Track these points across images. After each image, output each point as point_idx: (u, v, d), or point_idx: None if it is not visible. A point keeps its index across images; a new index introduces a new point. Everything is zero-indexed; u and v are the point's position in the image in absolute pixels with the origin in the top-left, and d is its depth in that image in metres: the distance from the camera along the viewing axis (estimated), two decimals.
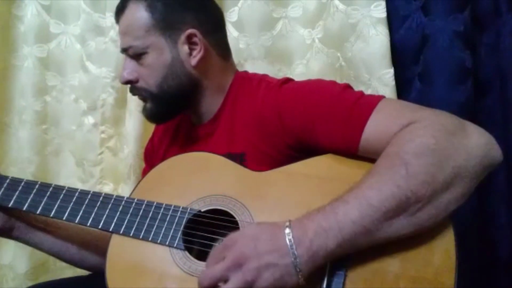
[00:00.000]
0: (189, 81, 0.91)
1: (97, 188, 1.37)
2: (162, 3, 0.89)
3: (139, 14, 0.89)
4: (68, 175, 1.43)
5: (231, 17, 1.25)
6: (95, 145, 1.38)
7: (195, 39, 0.89)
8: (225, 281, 0.64)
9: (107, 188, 1.38)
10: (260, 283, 0.63)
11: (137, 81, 0.91)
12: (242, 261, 0.64)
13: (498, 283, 1.07)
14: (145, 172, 1.05)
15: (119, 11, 0.92)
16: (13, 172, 1.42)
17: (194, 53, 0.90)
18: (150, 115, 0.94)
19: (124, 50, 0.92)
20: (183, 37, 0.89)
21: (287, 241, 0.63)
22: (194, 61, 0.90)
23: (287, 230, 0.64)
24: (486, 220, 1.08)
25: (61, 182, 1.42)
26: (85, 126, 1.40)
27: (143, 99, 0.94)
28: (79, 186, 1.39)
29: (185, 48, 0.89)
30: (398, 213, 0.64)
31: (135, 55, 0.90)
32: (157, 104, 0.92)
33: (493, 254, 1.07)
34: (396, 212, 0.63)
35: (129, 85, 0.94)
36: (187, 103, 0.94)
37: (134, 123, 1.28)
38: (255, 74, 0.97)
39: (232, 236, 0.68)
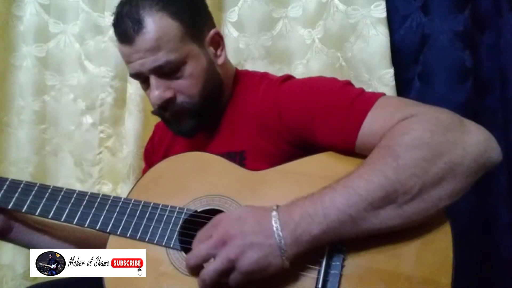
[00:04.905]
0: (219, 82, 0.89)
1: (95, 188, 1.37)
2: (184, 8, 0.84)
3: (167, 23, 0.81)
4: (67, 175, 1.43)
5: (231, 17, 1.25)
6: (93, 145, 1.38)
7: (217, 38, 0.89)
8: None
9: (105, 188, 1.37)
10: (243, 261, 0.63)
11: (175, 97, 0.84)
12: (227, 239, 0.64)
13: (499, 283, 1.06)
14: (144, 172, 1.04)
15: (134, 28, 0.80)
16: (12, 171, 1.42)
17: (219, 51, 0.89)
18: (191, 130, 0.88)
19: (155, 69, 0.81)
20: (208, 39, 0.87)
21: (273, 223, 0.64)
22: (220, 60, 0.89)
23: (274, 213, 0.65)
24: (487, 220, 1.07)
25: (60, 182, 1.43)
26: (83, 125, 1.40)
27: (180, 116, 0.86)
28: (78, 186, 1.40)
29: (211, 49, 0.88)
30: (385, 204, 0.63)
31: (172, 70, 0.82)
32: (198, 116, 0.86)
33: (494, 255, 1.06)
34: (383, 202, 0.63)
35: (157, 105, 0.84)
36: (217, 105, 0.91)
37: (133, 122, 1.28)
38: (256, 72, 0.96)
39: (219, 216, 0.68)
